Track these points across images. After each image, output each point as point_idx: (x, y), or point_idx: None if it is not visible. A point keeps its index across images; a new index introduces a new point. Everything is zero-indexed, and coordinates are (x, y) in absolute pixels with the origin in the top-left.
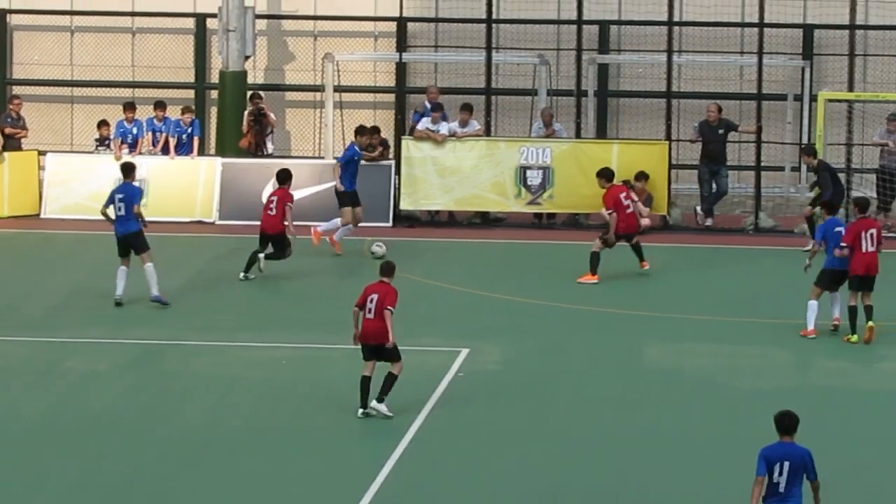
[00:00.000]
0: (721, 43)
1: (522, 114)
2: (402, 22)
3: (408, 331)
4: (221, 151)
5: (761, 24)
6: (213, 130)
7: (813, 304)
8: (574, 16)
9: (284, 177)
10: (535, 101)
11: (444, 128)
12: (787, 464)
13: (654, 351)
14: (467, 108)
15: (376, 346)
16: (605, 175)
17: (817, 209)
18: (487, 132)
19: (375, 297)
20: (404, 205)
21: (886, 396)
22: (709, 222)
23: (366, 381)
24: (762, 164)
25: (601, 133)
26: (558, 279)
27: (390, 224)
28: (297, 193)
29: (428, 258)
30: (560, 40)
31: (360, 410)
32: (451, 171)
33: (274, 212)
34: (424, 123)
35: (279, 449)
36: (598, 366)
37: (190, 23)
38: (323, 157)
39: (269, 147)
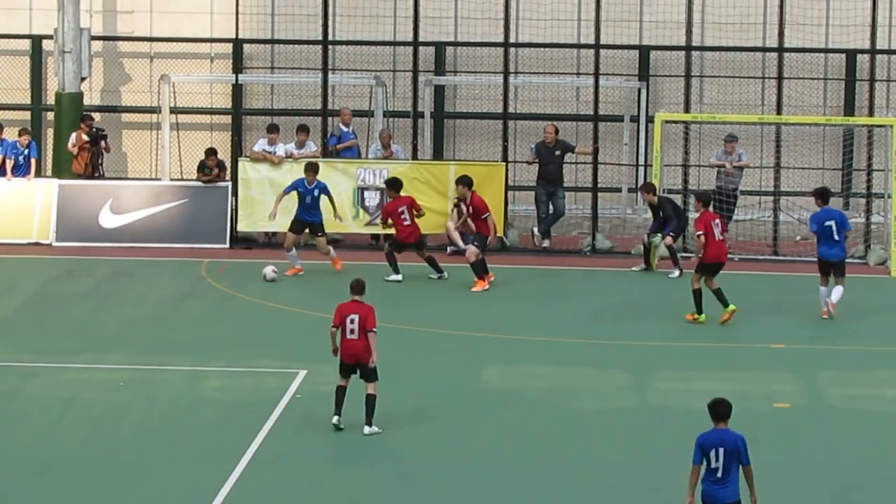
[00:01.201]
0: (557, 64)
1: (359, 135)
2: (237, 43)
3: (244, 353)
4: (58, 173)
5: (597, 46)
6: (50, 152)
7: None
8: (410, 37)
9: (400, 184)
10: (371, 123)
11: (280, 149)
12: (721, 450)
13: (491, 372)
14: (304, 130)
15: (357, 365)
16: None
17: (656, 238)
18: (324, 154)
19: (356, 317)
20: (241, 226)
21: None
22: (546, 244)
23: (341, 391)
24: (599, 185)
25: (438, 154)
26: (397, 300)
27: (227, 245)
28: (134, 215)
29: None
30: (396, 61)
31: (336, 418)
32: None
33: (408, 220)
34: (261, 145)
35: (116, 472)
36: (436, 387)
37: (26, 44)
38: (160, 179)
39: (102, 169)
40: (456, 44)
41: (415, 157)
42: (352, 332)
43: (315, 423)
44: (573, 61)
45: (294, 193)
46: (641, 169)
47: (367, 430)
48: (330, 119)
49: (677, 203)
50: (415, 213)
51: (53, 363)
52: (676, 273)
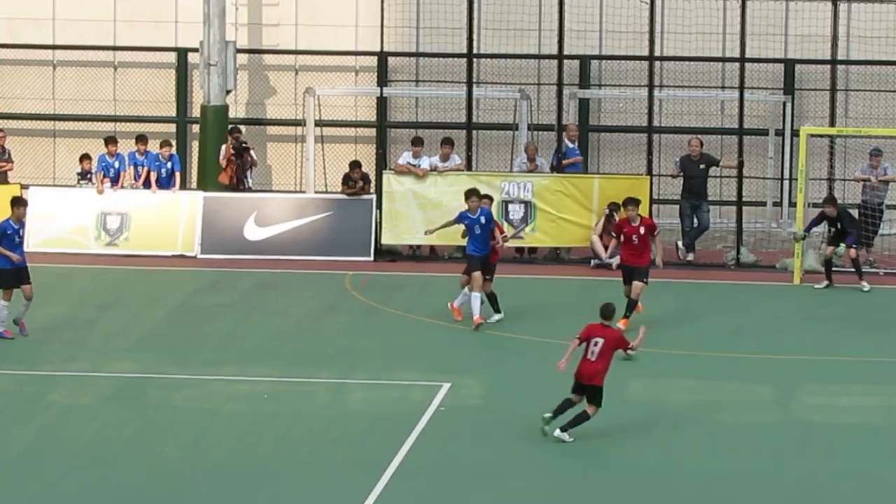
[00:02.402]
0: (702, 78)
1: (503, 148)
2: (382, 57)
3: (388, 365)
4: (203, 185)
5: (742, 59)
6: (195, 164)
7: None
8: (555, 50)
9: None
10: (515, 136)
11: (425, 162)
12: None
13: (637, 385)
14: (448, 143)
15: (588, 386)
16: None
17: (839, 248)
18: (469, 167)
19: (601, 341)
20: (386, 239)
21: (859, 431)
22: (690, 257)
23: (569, 402)
24: (744, 198)
25: (583, 168)
26: (540, 313)
27: (371, 258)
28: (278, 228)
29: (409, 292)
30: (541, 75)
31: (548, 415)
32: (432, 204)
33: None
34: (405, 158)
35: (260, 483)
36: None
37: (171, 57)
38: (304, 192)
39: (249, 181)
40: (601, 57)
41: (560, 170)
42: (593, 353)
43: (459, 436)
44: (718, 75)
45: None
46: (786, 183)
47: (557, 432)
48: (468, 131)
49: (854, 215)
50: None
51: (198, 375)
52: (867, 287)
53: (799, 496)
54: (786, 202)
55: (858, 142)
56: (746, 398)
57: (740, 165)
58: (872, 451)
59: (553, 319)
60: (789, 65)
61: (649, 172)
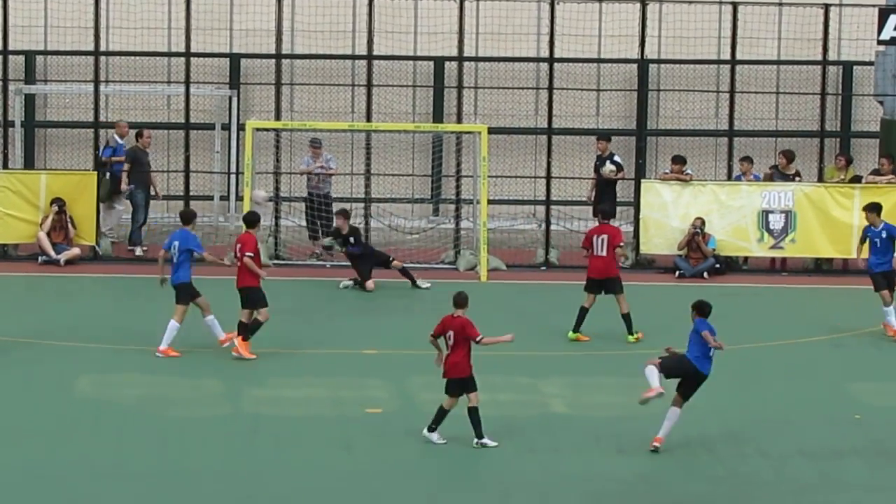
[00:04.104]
0: (148, 72)
1: None
2: None
3: None
4: None
5: (188, 54)
6: None
7: None
8: None
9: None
10: None
11: None
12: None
13: (84, 381)
14: None
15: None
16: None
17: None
18: None
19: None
20: None
21: (303, 422)
22: (139, 252)
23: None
24: (191, 193)
25: (29, 164)
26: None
27: None
28: None
29: None
30: None
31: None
32: None
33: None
34: None
35: None
36: (24, 397)
37: None
38: None
39: None
40: (46, 52)
41: (5, 166)
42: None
43: None
44: (164, 69)
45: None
46: (233, 177)
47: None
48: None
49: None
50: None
51: None
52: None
53: (250, 488)
54: (233, 196)
55: (303, 135)
56: (195, 392)
57: (186, 160)
58: (322, 442)
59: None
60: (235, 59)
61: (96, 168)
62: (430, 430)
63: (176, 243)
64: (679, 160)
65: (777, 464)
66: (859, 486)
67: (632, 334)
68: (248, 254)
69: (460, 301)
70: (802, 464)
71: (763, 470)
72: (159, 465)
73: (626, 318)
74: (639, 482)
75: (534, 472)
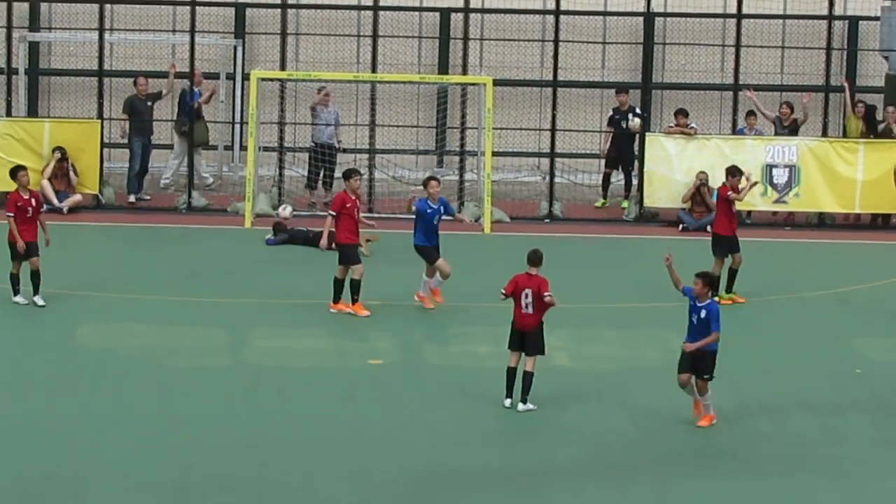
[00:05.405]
0: (153, 21)
1: None
2: None
3: None
4: None
5: (193, 3)
6: None
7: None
8: None
9: None
10: None
11: None
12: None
13: (87, 331)
14: None
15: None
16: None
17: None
18: None
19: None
20: None
21: (310, 374)
22: (132, 199)
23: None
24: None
25: (32, 112)
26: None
27: None
28: None
29: None
30: None
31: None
32: None
33: None
34: None
35: None
36: (30, 349)
37: None
38: None
39: None
40: (51, 0)
41: (9, 114)
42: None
43: None
44: (169, 18)
45: None
46: (238, 126)
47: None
48: None
49: None
50: None
51: None
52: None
53: (251, 438)
54: (237, 146)
55: (308, 85)
56: (199, 342)
57: (199, 107)
58: (323, 393)
59: None
60: (240, 8)
61: (100, 116)
62: (523, 401)
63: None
64: (683, 114)
65: (778, 417)
66: (861, 440)
67: None
68: (330, 212)
69: (535, 259)
70: (803, 417)
71: (763, 423)
72: (160, 414)
73: None
74: (639, 435)
75: (535, 424)
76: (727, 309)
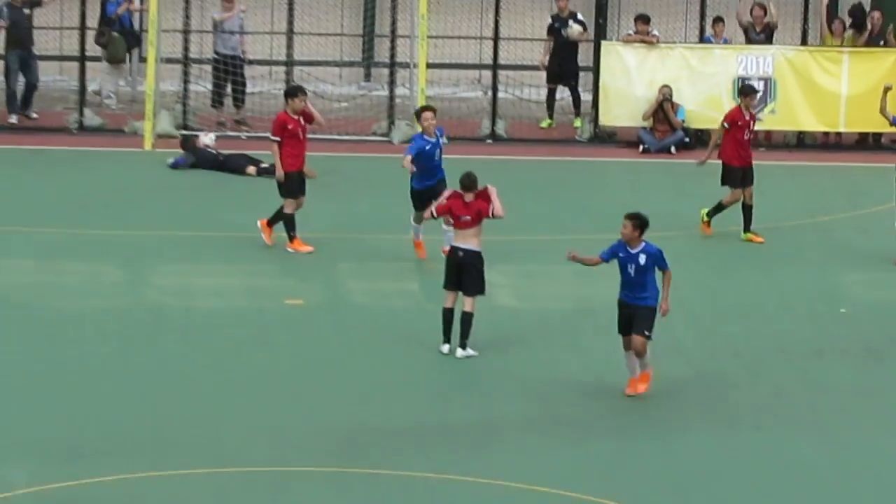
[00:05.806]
0: None
1: None
2: None
3: None
4: None
5: None
6: None
7: None
8: None
9: None
10: None
11: None
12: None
13: None
14: None
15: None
16: None
17: None
18: None
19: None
20: None
21: (219, 315)
22: (12, 119)
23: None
24: (87, 54)
25: None
26: None
27: None
28: None
29: None
30: None
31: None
32: None
33: None
34: None
35: None
36: None
37: None
38: None
39: None
40: None
41: None
42: None
43: None
44: None
45: None
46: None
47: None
48: None
49: None
50: None
51: None
52: None
53: (149, 390)
54: (135, 58)
55: None
56: (92, 280)
57: (83, 17)
58: (234, 338)
59: None
60: None
61: None
62: (462, 346)
63: None
64: (644, 20)
65: (752, 364)
66: (844, 389)
67: None
68: (273, 137)
69: (468, 184)
70: (780, 364)
71: (735, 371)
72: (46, 363)
73: None
74: (594, 384)
75: (476, 373)
76: (694, 245)
